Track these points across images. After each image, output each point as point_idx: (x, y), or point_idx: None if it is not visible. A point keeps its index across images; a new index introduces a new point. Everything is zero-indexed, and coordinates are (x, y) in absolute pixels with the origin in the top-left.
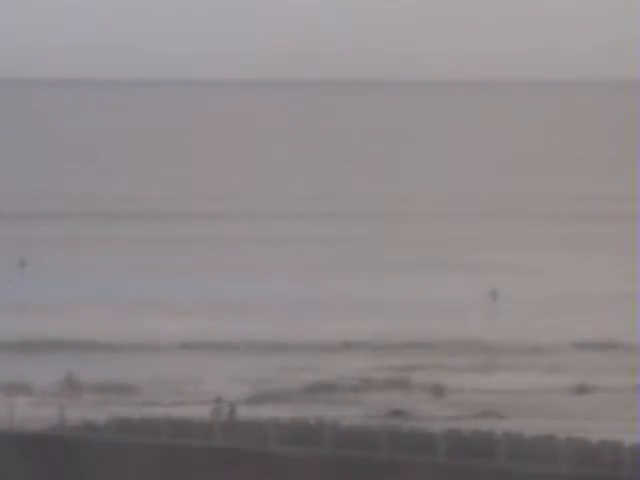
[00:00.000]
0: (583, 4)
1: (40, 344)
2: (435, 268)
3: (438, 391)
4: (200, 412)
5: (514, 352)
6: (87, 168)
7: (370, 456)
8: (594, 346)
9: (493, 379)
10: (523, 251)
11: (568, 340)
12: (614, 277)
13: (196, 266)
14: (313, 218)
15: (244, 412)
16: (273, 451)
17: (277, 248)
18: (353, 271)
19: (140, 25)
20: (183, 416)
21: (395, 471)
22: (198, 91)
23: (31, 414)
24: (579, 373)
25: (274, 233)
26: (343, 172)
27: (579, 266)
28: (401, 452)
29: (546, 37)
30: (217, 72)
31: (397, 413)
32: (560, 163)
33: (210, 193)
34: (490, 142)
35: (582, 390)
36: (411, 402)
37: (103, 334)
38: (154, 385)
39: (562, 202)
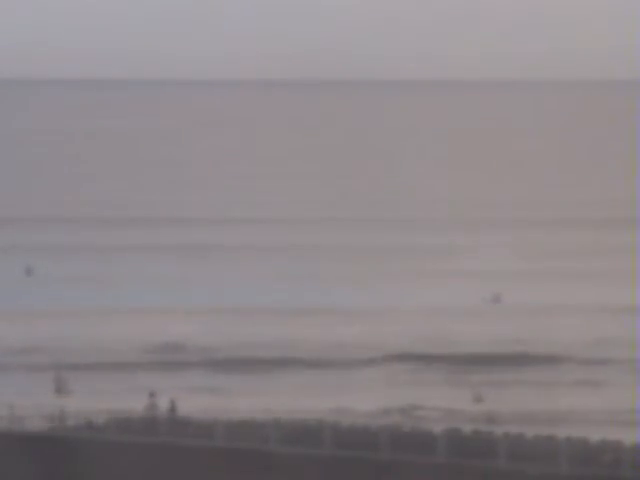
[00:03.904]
0: (583, 4)
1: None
2: (437, 275)
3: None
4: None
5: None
6: (89, 171)
7: (370, 456)
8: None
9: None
10: (524, 258)
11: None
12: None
13: (202, 274)
14: (310, 223)
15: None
16: (273, 451)
17: (278, 254)
18: (352, 278)
19: (140, 25)
20: (183, 416)
21: (395, 471)
22: (199, 91)
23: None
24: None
25: (276, 238)
26: (342, 175)
27: (579, 274)
28: (401, 452)
29: (546, 37)
30: (217, 72)
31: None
32: (560, 165)
33: (210, 196)
34: (490, 144)
35: None
36: None
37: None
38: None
39: (562, 207)
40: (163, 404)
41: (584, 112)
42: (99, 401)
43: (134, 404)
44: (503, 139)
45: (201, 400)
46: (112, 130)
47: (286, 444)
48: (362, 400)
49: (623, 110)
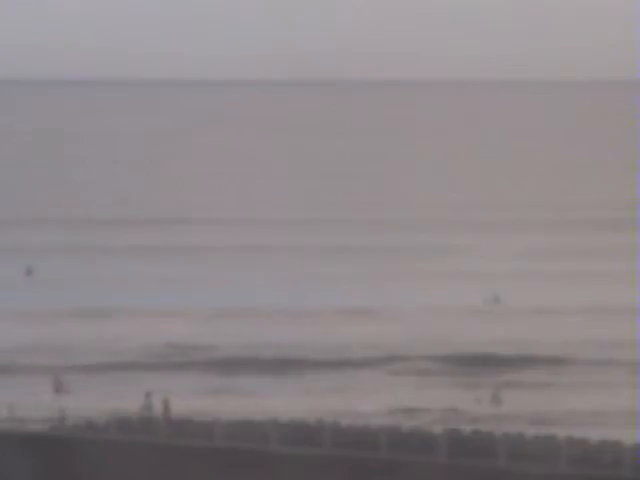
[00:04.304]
0: (583, 4)
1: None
2: (437, 275)
3: None
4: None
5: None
6: (89, 171)
7: (370, 456)
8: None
9: None
10: (524, 258)
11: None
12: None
13: (203, 274)
14: (310, 223)
15: None
16: (273, 451)
17: (278, 254)
18: (352, 280)
19: (140, 25)
20: (183, 416)
21: (395, 471)
22: (198, 91)
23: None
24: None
25: (276, 238)
26: (342, 176)
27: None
28: (401, 452)
29: (546, 37)
30: (217, 72)
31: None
32: (560, 165)
33: (209, 196)
34: (489, 144)
35: None
36: None
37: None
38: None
39: (562, 207)
40: (161, 404)
41: (584, 112)
42: (99, 401)
43: (134, 404)
44: (503, 139)
45: (201, 400)
46: (112, 130)
47: (286, 444)
48: (362, 400)
49: (623, 110)
